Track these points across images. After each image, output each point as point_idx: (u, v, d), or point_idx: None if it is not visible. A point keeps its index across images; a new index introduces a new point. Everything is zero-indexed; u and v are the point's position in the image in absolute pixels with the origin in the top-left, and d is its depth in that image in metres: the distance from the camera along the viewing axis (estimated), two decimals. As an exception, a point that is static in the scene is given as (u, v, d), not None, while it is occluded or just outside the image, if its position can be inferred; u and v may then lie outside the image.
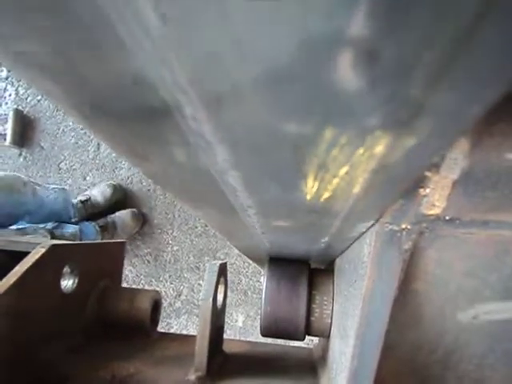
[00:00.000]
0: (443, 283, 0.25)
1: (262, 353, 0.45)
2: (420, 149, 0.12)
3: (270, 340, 0.45)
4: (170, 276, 1.47)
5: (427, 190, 0.20)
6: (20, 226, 1.08)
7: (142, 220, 1.46)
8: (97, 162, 1.52)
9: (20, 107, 1.55)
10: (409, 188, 0.20)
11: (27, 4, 0.08)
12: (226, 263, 0.42)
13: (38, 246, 0.37)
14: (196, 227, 1.46)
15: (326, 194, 0.16)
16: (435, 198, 0.21)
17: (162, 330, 0.49)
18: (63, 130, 1.54)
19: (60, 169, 1.54)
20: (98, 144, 1.52)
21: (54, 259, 0.38)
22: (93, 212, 1.39)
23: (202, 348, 0.36)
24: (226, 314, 0.46)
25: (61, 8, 0.07)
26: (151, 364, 0.40)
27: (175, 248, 1.47)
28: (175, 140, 0.13)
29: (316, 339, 0.49)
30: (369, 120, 0.10)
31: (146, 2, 0.07)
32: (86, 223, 1.31)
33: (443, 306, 0.26)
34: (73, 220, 1.28)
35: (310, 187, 0.15)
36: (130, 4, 0.07)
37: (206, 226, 1.44)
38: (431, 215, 0.22)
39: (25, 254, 0.36)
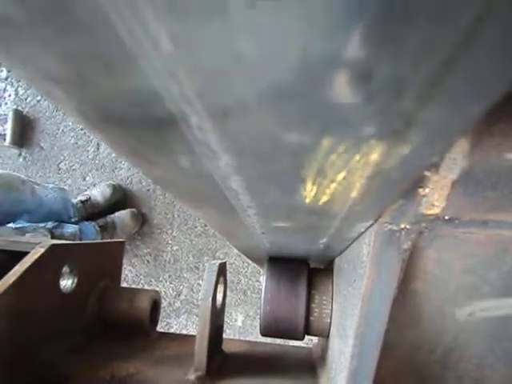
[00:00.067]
0: (442, 283, 0.25)
1: (262, 352, 0.45)
2: (414, 156, 0.12)
3: (269, 339, 0.45)
4: (169, 276, 1.47)
5: (426, 190, 0.20)
6: (19, 225, 1.08)
7: (142, 220, 1.46)
8: (96, 162, 1.52)
9: (20, 107, 1.55)
10: (408, 188, 0.20)
11: (46, 25, 0.08)
12: (225, 263, 0.42)
13: (38, 245, 0.37)
14: (195, 227, 1.46)
15: (325, 198, 0.17)
16: (434, 197, 0.21)
17: (162, 330, 0.49)
18: (63, 130, 1.54)
19: (60, 169, 1.54)
20: (98, 144, 1.52)
21: (53, 259, 0.38)
22: (93, 212, 1.39)
23: (201, 348, 0.36)
24: (226, 313, 0.46)
25: (78, 28, 0.08)
26: (151, 364, 0.40)
27: (175, 248, 1.47)
28: (180, 147, 0.14)
29: (315, 339, 0.49)
30: (364, 130, 0.10)
31: (157, 23, 0.07)
32: (86, 223, 1.31)
33: (442, 306, 0.26)
34: (72, 220, 1.28)
35: (309, 191, 0.16)
36: (143, 25, 0.07)
37: (206, 225, 1.44)
38: (430, 215, 0.22)
39: (24, 253, 0.36)
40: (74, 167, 1.53)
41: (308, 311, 0.39)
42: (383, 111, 0.10)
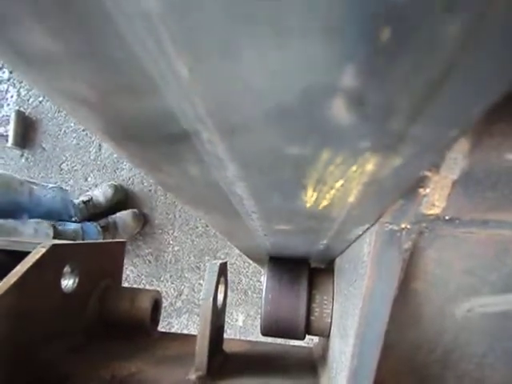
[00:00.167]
0: (443, 283, 0.25)
1: (262, 352, 0.45)
2: (406, 166, 0.14)
3: (270, 339, 0.45)
4: (170, 276, 1.47)
5: (427, 190, 0.20)
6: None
7: (143, 220, 1.47)
8: (98, 162, 1.52)
9: (22, 109, 1.55)
10: (408, 189, 0.20)
11: (82, 61, 0.10)
12: (226, 263, 0.42)
13: (39, 245, 0.37)
14: (197, 227, 1.46)
15: (324, 203, 0.18)
16: (435, 197, 0.21)
17: (163, 330, 0.49)
18: (65, 131, 1.55)
19: (61, 170, 1.54)
20: (100, 145, 1.52)
21: (54, 259, 0.38)
22: (94, 212, 1.39)
23: (202, 347, 0.37)
24: (227, 313, 0.46)
25: (109, 62, 0.09)
26: (152, 363, 0.40)
27: (176, 248, 1.47)
28: (191, 158, 0.15)
29: (316, 338, 0.49)
30: (359, 145, 0.12)
31: (178, 57, 0.08)
32: (88, 223, 1.32)
33: (443, 306, 0.26)
34: (73, 219, 1.28)
35: (310, 197, 0.17)
36: (166, 58, 0.09)
37: (207, 226, 1.44)
38: (431, 215, 0.22)
39: (25, 253, 0.37)
40: (75, 168, 1.54)
41: (309, 311, 0.39)
42: (376, 130, 0.11)
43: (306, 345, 0.50)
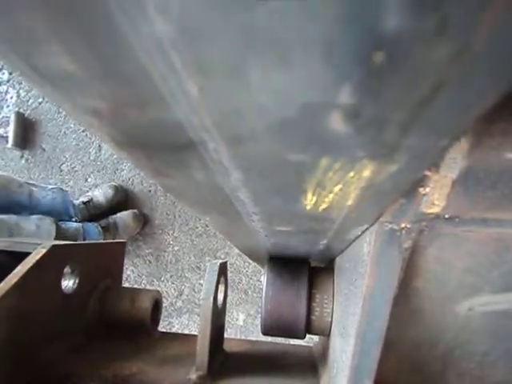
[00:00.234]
0: (443, 281, 0.25)
1: (263, 351, 0.45)
2: (401, 172, 0.14)
3: (270, 338, 0.45)
4: (171, 276, 1.47)
5: (427, 189, 0.20)
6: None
7: (143, 221, 1.47)
8: (98, 163, 1.52)
9: (21, 110, 1.55)
10: (406, 190, 0.20)
11: (99, 79, 0.11)
12: (226, 263, 0.42)
13: (39, 246, 0.37)
14: (196, 227, 1.46)
15: (324, 205, 0.19)
16: (435, 196, 0.21)
17: (164, 330, 0.50)
18: (64, 132, 1.55)
19: (61, 170, 1.54)
20: (99, 146, 1.52)
21: (54, 260, 0.38)
22: (95, 213, 1.39)
23: (202, 347, 0.37)
24: (227, 312, 0.46)
25: (123, 80, 0.10)
26: (153, 363, 0.40)
27: (176, 248, 1.47)
28: (196, 165, 0.15)
29: (316, 337, 0.49)
30: (356, 153, 0.13)
31: (188, 76, 0.09)
32: (89, 224, 1.32)
33: (443, 304, 0.26)
34: (73, 220, 1.28)
35: (310, 200, 0.18)
36: (176, 77, 0.09)
37: (207, 226, 1.44)
38: (431, 214, 0.22)
39: (26, 254, 0.37)
40: (75, 169, 1.53)
41: (309, 310, 0.39)
42: (371, 140, 0.12)
43: (306, 344, 0.50)
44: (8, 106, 1.57)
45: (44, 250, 0.37)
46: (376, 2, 0.07)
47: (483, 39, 0.07)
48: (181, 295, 1.47)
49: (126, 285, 1.38)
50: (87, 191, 1.49)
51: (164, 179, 0.19)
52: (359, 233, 0.26)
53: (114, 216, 1.41)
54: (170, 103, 0.11)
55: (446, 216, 0.22)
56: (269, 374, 0.40)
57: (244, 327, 1.42)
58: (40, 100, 1.56)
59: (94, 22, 0.08)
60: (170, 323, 1.45)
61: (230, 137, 0.12)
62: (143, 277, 1.49)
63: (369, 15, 0.07)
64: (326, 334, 0.40)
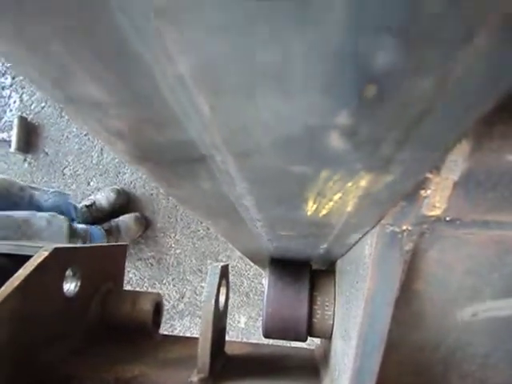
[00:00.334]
0: (444, 283, 0.25)
1: (264, 354, 0.45)
2: (396, 182, 0.15)
3: (271, 341, 0.45)
4: (173, 279, 1.47)
5: (428, 192, 0.21)
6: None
7: (145, 224, 1.47)
8: (100, 167, 1.53)
9: (24, 114, 1.56)
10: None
11: (125, 106, 0.12)
12: (227, 265, 0.42)
13: (41, 249, 0.38)
14: (198, 231, 1.46)
15: (324, 212, 0.20)
16: (436, 199, 0.21)
17: (166, 332, 0.50)
18: (67, 136, 1.55)
19: (64, 174, 1.55)
20: (102, 150, 1.52)
21: (56, 262, 0.38)
22: (97, 216, 1.39)
23: (204, 350, 0.37)
24: (229, 315, 0.46)
25: (143, 105, 0.11)
26: (155, 366, 0.40)
27: (178, 251, 1.47)
28: (204, 176, 0.17)
29: (318, 340, 0.49)
30: (354, 166, 0.14)
31: (201, 97, 0.10)
32: (93, 227, 1.32)
33: (445, 306, 0.26)
34: (76, 222, 1.29)
35: (311, 207, 0.19)
36: (191, 99, 0.10)
37: (208, 229, 1.44)
38: (432, 216, 0.22)
39: (28, 257, 0.37)
40: (78, 172, 1.54)
41: (310, 313, 0.39)
42: (367, 155, 0.13)
43: (307, 347, 0.50)
44: (11, 111, 1.57)
45: (46, 253, 0.37)
46: (368, 45, 0.08)
47: (459, 74, 0.09)
48: (182, 298, 1.46)
49: (128, 288, 1.38)
50: (90, 195, 1.49)
51: (173, 189, 0.20)
52: (358, 237, 0.27)
53: (117, 219, 1.41)
54: (184, 124, 0.12)
55: (447, 218, 0.22)
56: (270, 377, 0.40)
57: (245, 330, 1.41)
58: (43, 104, 1.56)
59: (122, 60, 0.09)
60: (171, 326, 1.45)
61: (237, 151, 0.13)
62: (145, 280, 1.49)
63: (362, 55, 0.08)
64: (327, 336, 0.40)
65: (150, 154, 0.15)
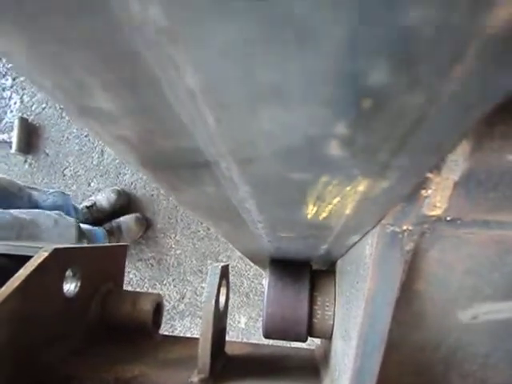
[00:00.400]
0: (445, 283, 0.25)
1: (264, 354, 0.45)
2: (392, 187, 0.16)
3: (271, 341, 0.44)
4: (173, 279, 1.47)
5: (429, 192, 0.20)
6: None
7: (146, 225, 1.47)
8: (101, 168, 1.53)
9: (25, 115, 1.56)
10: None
11: (132, 116, 0.12)
12: (227, 266, 0.42)
13: (41, 249, 0.38)
14: (198, 231, 1.46)
15: (324, 215, 0.20)
16: (437, 199, 0.21)
17: (166, 332, 0.50)
18: (67, 137, 1.55)
19: (65, 175, 1.55)
20: (102, 150, 1.53)
21: (56, 263, 0.38)
22: (98, 217, 1.39)
23: (204, 350, 0.37)
24: (229, 315, 0.46)
25: (152, 116, 0.12)
26: (155, 366, 0.40)
27: (178, 252, 1.47)
28: (208, 181, 0.17)
29: (318, 340, 0.49)
30: (352, 171, 0.14)
31: (206, 108, 0.11)
32: (96, 228, 1.32)
33: (445, 306, 0.26)
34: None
35: (311, 210, 0.20)
36: (200, 113, 0.11)
37: (208, 229, 1.44)
38: (433, 216, 0.22)
39: (28, 257, 0.37)
40: (78, 173, 1.54)
41: (311, 313, 0.39)
42: (365, 162, 0.14)
43: (308, 347, 0.50)
44: (12, 112, 1.58)
45: (46, 254, 0.37)
46: (363, 66, 0.09)
47: (449, 90, 0.09)
48: (183, 298, 1.46)
49: (128, 288, 1.38)
50: (90, 196, 1.49)
51: (178, 193, 0.21)
52: (358, 238, 0.27)
53: (118, 220, 1.41)
54: (190, 133, 0.13)
55: (448, 218, 0.22)
56: (270, 377, 0.40)
57: (246, 330, 1.41)
58: (43, 105, 1.56)
59: (135, 76, 0.10)
60: (172, 326, 1.45)
61: (240, 159, 0.14)
62: (146, 280, 1.49)
63: (358, 74, 0.09)
64: (327, 336, 0.40)
65: (157, 161, 0.16)
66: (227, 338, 0.44)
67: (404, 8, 0.07)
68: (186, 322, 1.46)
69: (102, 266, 0.47)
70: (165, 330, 1.42)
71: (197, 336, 0.40)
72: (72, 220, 1.14)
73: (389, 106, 0.10)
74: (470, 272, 0.25)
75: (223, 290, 0.42)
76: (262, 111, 0.11)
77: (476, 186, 0.20)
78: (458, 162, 0.19)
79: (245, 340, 1.35)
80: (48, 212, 1.08)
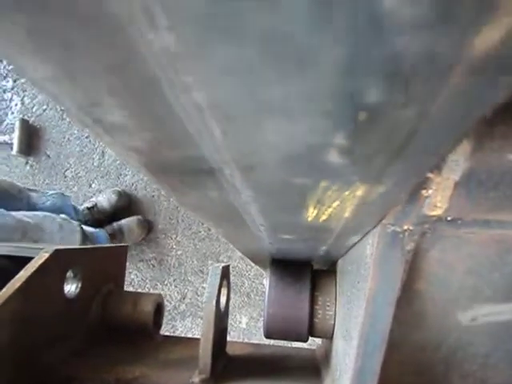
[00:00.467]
0: (446, 283, 0.25)
1: (266, 354, 0.45)
2: (388, 192, 0.17)
3: (272, 341, 0.44)
4: (174, 279, 1.47)
5: (429, 192, 0.21)
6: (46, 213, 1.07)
7: (148, 227, 1.47)
8: (102, 169, 1.53)
9: (26, 117, 1.56)
10: (410, 192, 0.20)
11: (145, 130, 0.13)
12: (228, 266, 0.42)
13: (42, 251, 0.38)
14: (199, 232, 1.47)
15: (323, 217, 0.21)
16: (437, 199, 0.21)
17: (167, 333, 0.50)
18: (68, 138, 1.56)
19: (66, 176, 1.55)
20: (103, 152, 1.53)
21: (57, 264, 0.39)
22: (99, 218, 1.39)
23: (205, 350, 0.37)
24: (230, 315, 0.46)
25: (161, 128, 0.13)
26: (156, 367, 0.40)
27: (179, 252, 1.48)
28: (212, 186, 0.18)
29: (319, 340, 0.49)
30: (350, 177, 0.15)
31: (213, 122, 0.12)
32: (98, 230, 1.32)
33: (446, 306, 0.26)
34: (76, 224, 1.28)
35: (311, 213, 0.20)
36: (207, 126, 0.12)
37: (209, 230, 1.44)
38: (433, 216, 0.22)
39: (29, 259, 0.37)
40: (79, 174, 1.54)
41: (312, 313, 0.39)
42: (362, 169, 0.14)
43: (309, 347, 0.50)
44: (13, 113, 1.58)
45: (47, 255, 0.37)
46: (359, 85, 0.09)
47: (438, 105, 0.10)
48: (184, 299, 1.47)
49: (130, 289, 1.38)
50: (91, 197, 1.49)
51: (183, 197, 0.22)
52: (357, 239, 0.28)
53: (120, 222, 1.41)
54: (197, 143, 0.14)
55: (449, 218, 0.22)
56: (272, 377, 0.40)
57: (247, 330, 1.41)
58: (44, 107, 1.57)
59: (147, 93, 0.11)
60: (173, 326, 1.45)
61: (244, 166, 0.15)
62: (147, 281, 1.49)
63: (355, 92, 0.10)
64: (328, 336, 0.40)
65: (164, 168, 0.17)
66: (228, 339, 0.44)
67: (394, 36, 0.08)
68: (187, 323, 1.46)
69: (102, 266, 0.47)
70: (166, 330, 1.42)
71: (198, 336, 0.40)
72: (76, 224, 1.14)
73: (383, 119, 0.11)
74: (471, 272, 0.25)
75: (224, 291, 0.42)
76: (266, 124, 0.11)
77: (477, 185, 0.20)
78: (458, 162, 0.19)
79: (246, 340, 1.35)
80: (54, 216, 1.08)
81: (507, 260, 0.24)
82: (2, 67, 1.58)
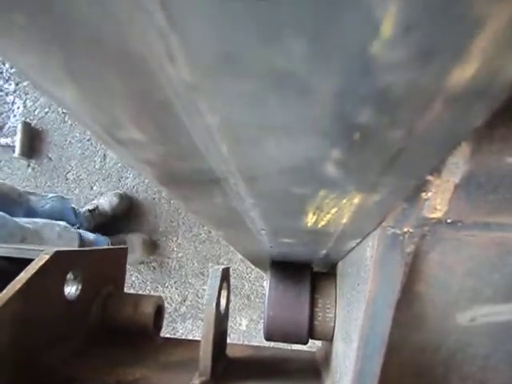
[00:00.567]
0: (446, 285, 0.25)
1: (265, 357, 0.45)
2: (383, 200, 0.18)
3: (273, 344, 0.44)
4: (175, 282, 1.47)
5: (429, 194, 0.21)
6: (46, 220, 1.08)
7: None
8: (103, 171, 1.53)
9: (28, 119, 1.57)
10: (409, 194, 0.20)
11: (157, 144, 0.15)
12: (228, 268, 0.42)
13: (42, 252, 0.38)
14: (200, 234, 1.47)
15: (322, 223, 0.22)
16: (437, 201, 0.21)
17: (168, 335, 0.49)
18: (70, 141, 1.56)
19: (67, 179, 1.55)
20: (104, 154, 1.53)
21: (57, 266, 0.39)
22: (100, 221, 1.39)
23: (205, 352, 0.36)
24: (230, 318, 0.46)
25: (171, 143, 0.14)
26: (156, 369, 0.40)
27: (180, 254, 1.48)
28: (217, 194, 0.19)
29: (319, 342, 0.49)
30: (347, 187, 0.16)
31: (221, 139, 0.13)
32: (97, 235, 1.32)
33: (446, 308, 0.26)
34: (76, 227, 1.28)
35: (310, 219, 0.21)
36: (214, 142, 0.13)
37: (210, 232, 1.44)
38: (433, 218, 0.22)
39: (29, 260, 0.37)
40: (81, 177, 1.55)
41: (312, 315, 0.39)
42: (357, 180, 0.16)
43: (309, 349, 0.50)
44: (15, 116, 1.58)
45: (47, 257, 0.37)
46: (352, 109, 0.10)
47: (423, 127, 0.11)
48: (184, 301, 1.46)
49: (130, 291, 1.38)
50: (92, 199, 1.50)
51: (188, 203, 0.23)
52: (356, 243, 0.28)
53: (125, 235, 1.41)
54: (205, 157, 0.15)
55: (448, 220, 0.22)
56: (272, 380, 0.40)
57: (247, 332, 1.41)
58: (46, 110, 1.57)
59: (164, 116, 0.12)
60: (174, 328, 1.45)
61: (247, 176, 0.16)
62: (148, 283, 1.49)
63: (349, 114, 0.11)
64: (328, 338, 0.40)
65: (173, 178, 0.18)
66: (228, 341, 0.44)
67: (381, 73, 0.09)
68: (187, 325, 1.46)
69: (102, 268, 0.47)
70: (166, 332, 1.42)
71: (198, 338, 0.40)
72: (75, 232, 1.14)
73: (374, 138, 0.12)
74: (471, 274, 0.25)
75: (224, 293, 0.42)
76: (269, 142, 0.13)
77: (476, 188, 0.20)
78: (458, 165, 0.19)
79: (246, 342, 1.35)
80: (54, 223, 1.09)
81: (507, 262, 0.24)
82: (5, 70, 1.59)
